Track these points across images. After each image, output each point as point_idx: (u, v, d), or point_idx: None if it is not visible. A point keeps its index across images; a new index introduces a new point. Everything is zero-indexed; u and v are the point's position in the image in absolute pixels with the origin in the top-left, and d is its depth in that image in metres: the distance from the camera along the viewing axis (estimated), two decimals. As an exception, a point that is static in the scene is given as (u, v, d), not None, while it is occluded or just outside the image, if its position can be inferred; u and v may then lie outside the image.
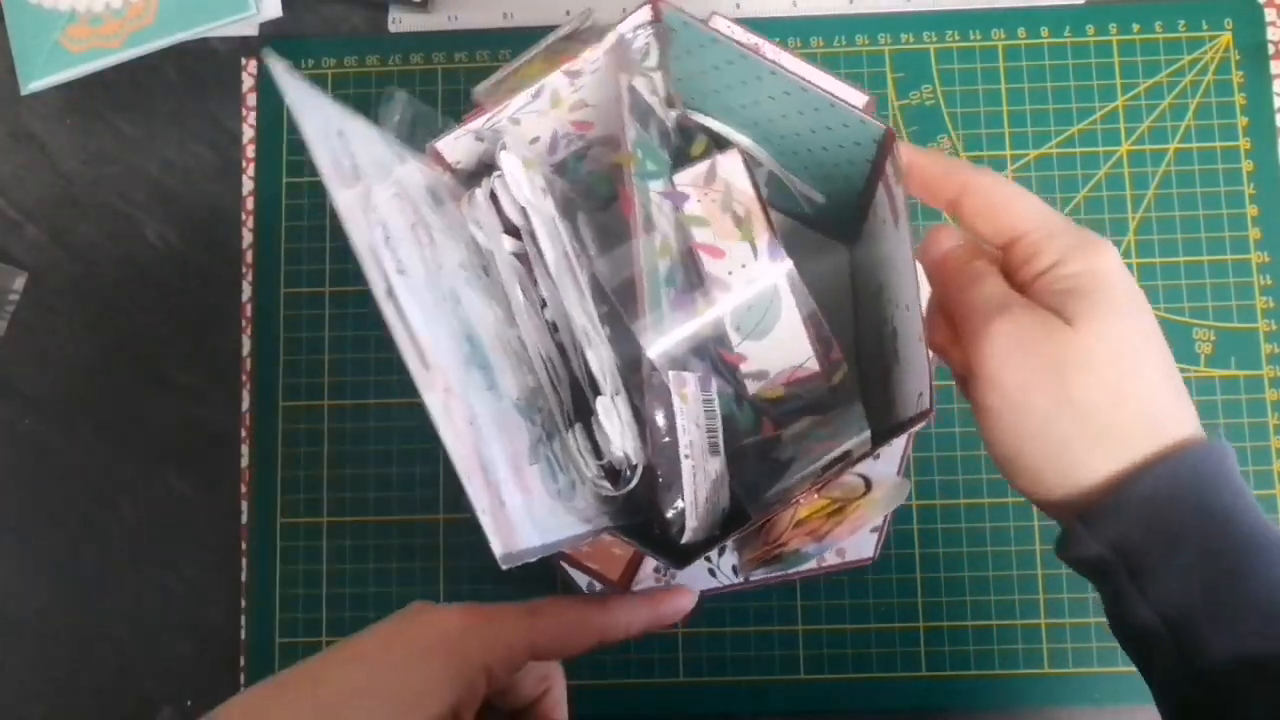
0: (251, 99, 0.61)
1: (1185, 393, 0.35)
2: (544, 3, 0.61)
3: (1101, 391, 0.34)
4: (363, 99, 0.61)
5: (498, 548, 0.31)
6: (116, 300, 0.61)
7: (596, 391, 0.41)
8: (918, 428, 0.37)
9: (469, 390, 0.35)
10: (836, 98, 0.40)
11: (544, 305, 0.43)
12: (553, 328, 0.43)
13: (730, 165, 0.43)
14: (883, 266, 0.44)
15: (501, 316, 0.42)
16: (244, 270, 0.60)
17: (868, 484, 0.45)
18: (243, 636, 0.57)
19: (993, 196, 0.37)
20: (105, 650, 0.58)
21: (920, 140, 0.59)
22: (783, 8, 0.61)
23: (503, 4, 0.62)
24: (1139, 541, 0.33)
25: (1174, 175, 0.58)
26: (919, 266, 0.39)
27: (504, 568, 0.31)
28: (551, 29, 0.52)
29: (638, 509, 0.43)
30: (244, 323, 0.60)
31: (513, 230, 0.42)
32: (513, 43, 0.61)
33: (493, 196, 0.42)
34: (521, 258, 0.42)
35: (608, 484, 0.41)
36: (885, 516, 0.53)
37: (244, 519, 0.58)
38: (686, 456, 0.40)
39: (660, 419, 0.40)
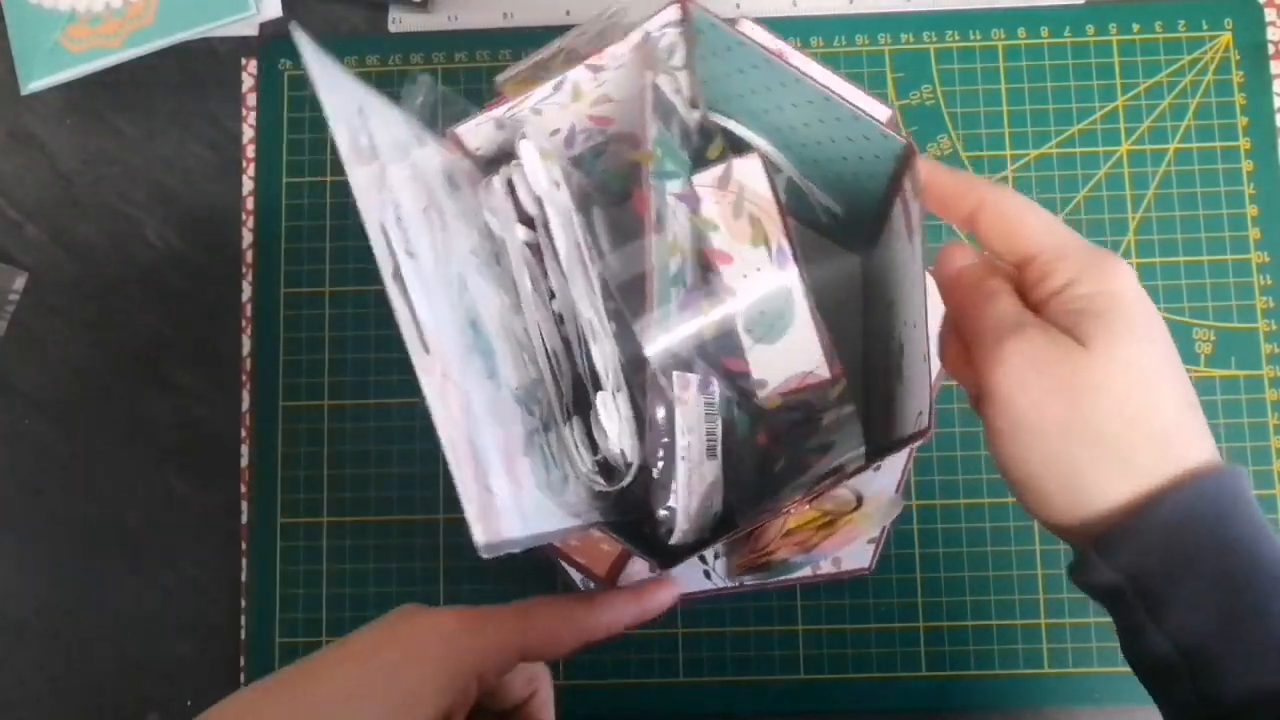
0: (251, 99, 0.61)
1: (1202, 416, 0.35)
2: (544, 3, 0.61)
3: (1116, 415, 0.33)
4: (363, 99, 0.61)
5: (479, 535, 0.30)
6: (116, 300, 0.61)
7: (598, 387, 0.41)
8: (915, 446, 0.37)
9: (468, 376, 0.35)
10: (860, 110, 0.40)
11: (552, 297, 0.42)
12: (559, 320, 0.43)
13: (749, 169, 0.43)
14: (894, 281, 0.44)
15: (508, 305, 0.42)
16: (244, 270, 0.60)
17: (859, 499, 0.45)
18: (243, 636, 0.57)
19: (1008, 213, 0.36)
20: (105, 650, 0.58)
21: (920, 140, 0.59)
22: (783, 8, 0.61)
23: (503, 4, 0.62)
24: (1154, 569, 0.33)
25: (1174, 175, 0.58)
26: (930, 285, 0.38)
27: (485, 556, 0.30)
28: (551, 29, 0.52)
29: (629, 507, 0.42)
30: (244, 323, 0.60)
31: (527, 220, 0.42)
32: (513, 43, 0.61)
33: (510, 185, 0.42)
34: (534, 248, 0.42)
35: (602, 480, 0.41)
36: (883, 528, 0.53)
37: (244, 519, 0.58)
38: (683, 458, 0.40)
39: (660, 418, 0.40)
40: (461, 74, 0.61)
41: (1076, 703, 0.55)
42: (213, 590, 0.58)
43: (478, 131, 0.42)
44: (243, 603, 0.57)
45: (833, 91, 0.40)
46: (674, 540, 0.41)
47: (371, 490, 0.58)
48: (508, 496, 0.34)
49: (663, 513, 0.41)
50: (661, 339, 0.40)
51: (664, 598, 0.40)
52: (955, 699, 0.55)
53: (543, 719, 0.39)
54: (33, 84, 0.59)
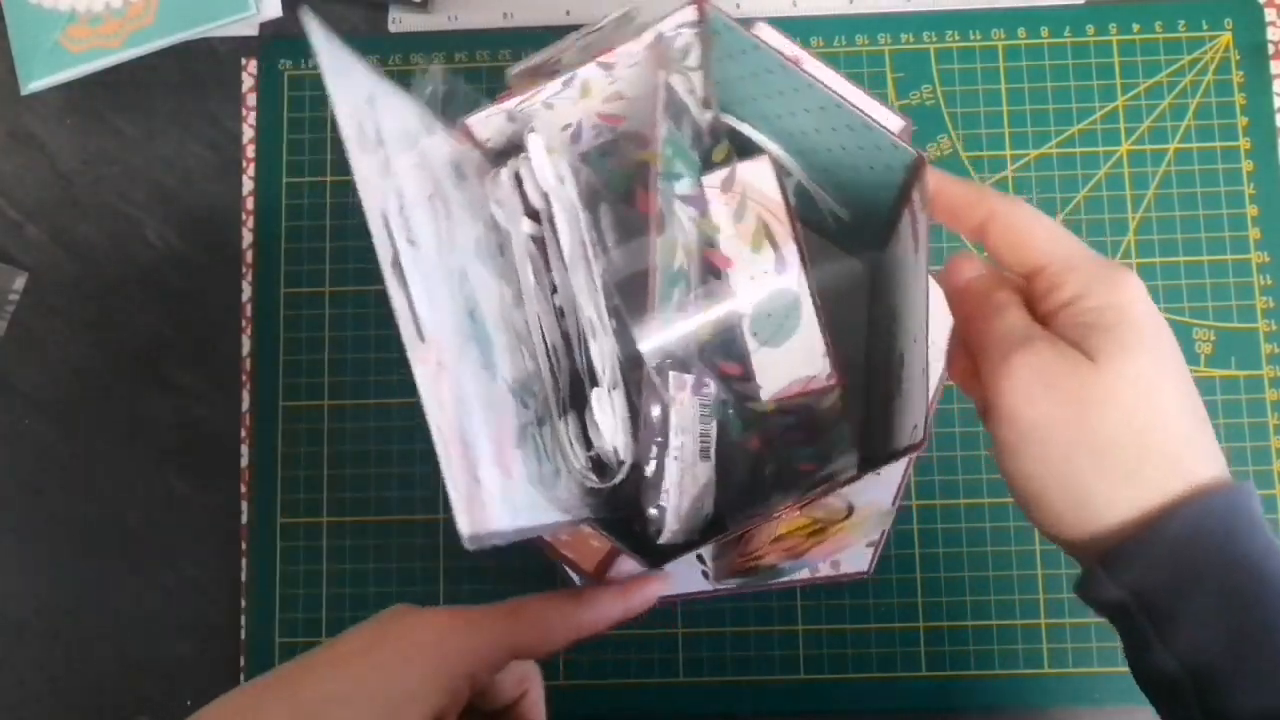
0: (251, 99, 0.61)
1: (1210, 431, 0.35)
2: (544, 3, 0.61)
3: (1124, 430, 0.33)
4: (363, 99, 0.61)
5: (464, 526, 0.30)
6: (116, 300, 0.61)
7: (595, 383, 0.41)
8: (910, 458, 0.37)
9: (463, 367, 0.35)
10: (872, 119, 0.40)
11: (554, 291, 0.42)
12: (560, 314, 0.43)
13: (758, 172, 0.43)
14: (898, 291, 0.44)
15: (510, 297, 0.42)
16: (244, 270, 0.60)
17: (850, 508, 0.45)
18: (243, 636, 0.57)
19: (1018, 225, 0.36)
20: (105, 650, 0.58)
21: (920, 140, 0.59)
22: (782, 7, 0.61)
23: (503, 4, 0.62)
24: (1162, 586, 0.32)
25: (1174, 175, 0.58)
26: (937, 297, 0.38)
27: (469, 548, 0.30)
28: (552, 29, 0.52)
29: (620, 505, 0.42)
30: (244, 323, 0.60)
31: (533, 213, 0.42)
32: (513, 43, 0.61)
33: (517, 178, 0.42)
34: (538, 241, 0.42)
35: (594, 476, 0.41)
36: (883, 532, 0.53)
37: (244, 519, 0.58)
38: (676, 459, 0.40)
39: (654, 418, 0.40)
40: (461, 74, 0.61)
41: (1076, 703, 0.55)
42: (213, 590, 0.58)
43: (488, 123, 0.43)
44: (243, 603, 0.57)
45: (845, 100, 0.40)
46: (663, 540, 0.41)
47: (371, 490, 0.58)
48: (497, 488, 0.34)
49: (653, 512, 0.41)
50: (659, 338, 0.40)
51: (649, 594, 0.40)
52: (955, 699, 0.55)
53: (533, 718, 0.39)
54: (33, 84, 0.59)
